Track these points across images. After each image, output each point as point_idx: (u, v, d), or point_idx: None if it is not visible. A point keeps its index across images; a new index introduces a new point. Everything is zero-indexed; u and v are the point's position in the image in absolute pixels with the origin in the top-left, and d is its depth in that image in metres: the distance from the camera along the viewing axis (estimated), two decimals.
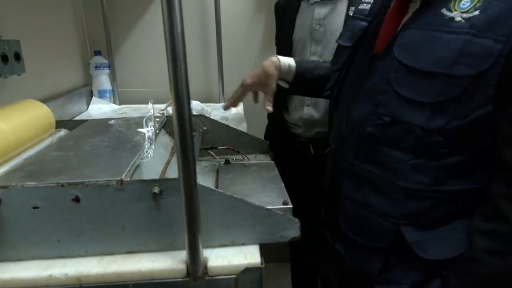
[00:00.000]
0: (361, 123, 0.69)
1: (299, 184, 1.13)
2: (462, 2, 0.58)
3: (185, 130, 0.47)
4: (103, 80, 1.60)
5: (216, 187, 0.79)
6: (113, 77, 1.62)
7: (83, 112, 1.51)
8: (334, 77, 0.84)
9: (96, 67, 1.56)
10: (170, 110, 1.35)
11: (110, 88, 1.62)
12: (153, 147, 0.69)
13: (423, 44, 0.60)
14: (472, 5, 0.56)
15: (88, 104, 1.57)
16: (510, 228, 0.58)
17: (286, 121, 1.25)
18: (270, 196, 0.70)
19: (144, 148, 0.68)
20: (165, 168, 0.72)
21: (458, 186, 0.63)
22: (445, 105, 0.58)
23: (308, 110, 1.16)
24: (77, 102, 1.47)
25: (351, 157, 0.73)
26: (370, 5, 0.78)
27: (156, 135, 0.80)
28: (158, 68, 1.67)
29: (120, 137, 0.75)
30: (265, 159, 0.95)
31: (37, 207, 0.54)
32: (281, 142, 1.25)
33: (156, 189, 0.54)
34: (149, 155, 0.67)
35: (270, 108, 0.86)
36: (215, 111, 1.48)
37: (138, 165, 0.64)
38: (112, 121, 0.85)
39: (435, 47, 0.59)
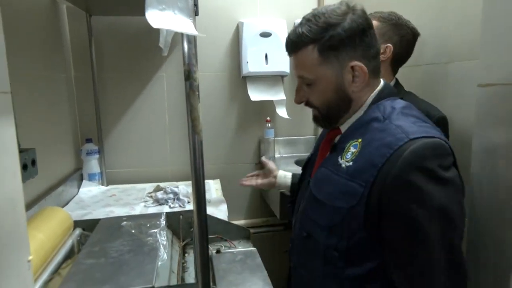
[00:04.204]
0: (297, 234, 0.88)
1: None
2: (347, 154, 0.78)
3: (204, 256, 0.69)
4: (93, 165, 1.77)
5: (213, 275, 0.99)
6: (102, 161, 1.80)
7: (75, 195, 1.66)
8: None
9: (88, 154, 1.74)
10: (159, 194, 1.54)
11: (99, 171, 1.80)
12: (166, 251, 0.89)
13: (324, 180, 0.81)
14: (350, 157, 0.77)
15: (78, 187, 1.72)
16: None
17: None
18: (258, 284, 0.91)
19: (160, 252, 0.88)
20: (179, 270, 0.93)
21: None
22: (334, 228, 0.75)
23: None
24: (70, 187, 1.63)
25: (295, 259, 0.90)
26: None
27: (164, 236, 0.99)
28: (142, 150, 1.88)
29: (135, 240, 0.94)
30: (248, 245, 1.17)
31: None
32: None
33: None
34: (164, 258, 0.87)
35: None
36: None
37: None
38: (124, 222, 1.03)
39: (329, 184, 0.78)
